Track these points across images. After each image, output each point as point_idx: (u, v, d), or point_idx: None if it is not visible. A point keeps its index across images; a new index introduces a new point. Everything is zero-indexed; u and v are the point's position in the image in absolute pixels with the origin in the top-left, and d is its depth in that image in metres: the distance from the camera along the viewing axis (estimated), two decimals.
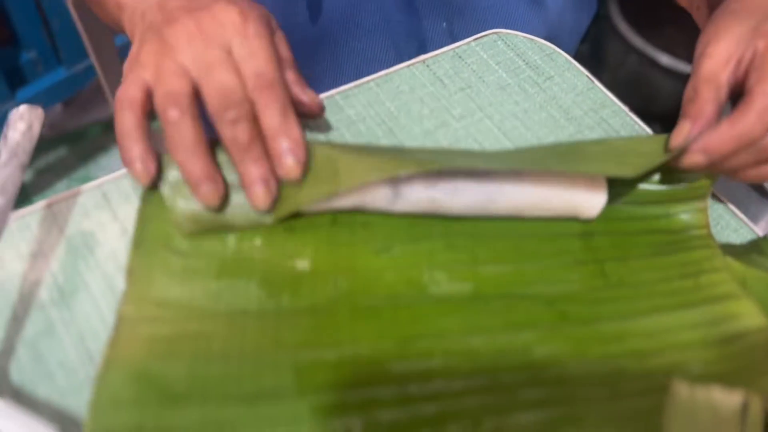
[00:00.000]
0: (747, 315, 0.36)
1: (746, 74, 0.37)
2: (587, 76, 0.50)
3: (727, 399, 0.30)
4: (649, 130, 0.47)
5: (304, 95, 0.39)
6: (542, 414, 0.31)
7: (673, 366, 0.33)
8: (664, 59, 1.19)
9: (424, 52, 0.52)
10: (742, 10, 0.40)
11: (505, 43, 0.51)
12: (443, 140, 0.45)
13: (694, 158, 0.37)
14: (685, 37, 1.05)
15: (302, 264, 0.36)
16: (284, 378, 0.31)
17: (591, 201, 0.39)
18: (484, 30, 0.52)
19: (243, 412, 0.30)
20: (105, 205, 0.38)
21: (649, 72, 1.22)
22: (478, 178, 0.37)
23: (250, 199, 0.35)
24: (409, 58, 0.50)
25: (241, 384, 0.31)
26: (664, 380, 0.32)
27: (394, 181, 0.37)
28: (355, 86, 0.46)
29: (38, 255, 0.36)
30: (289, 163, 0.35)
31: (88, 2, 0.52)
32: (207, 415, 0.29)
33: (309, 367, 0.32)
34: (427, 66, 0.49)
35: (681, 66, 1.18)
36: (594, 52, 1.38)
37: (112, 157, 1.33)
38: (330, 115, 0.45)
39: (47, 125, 1.33)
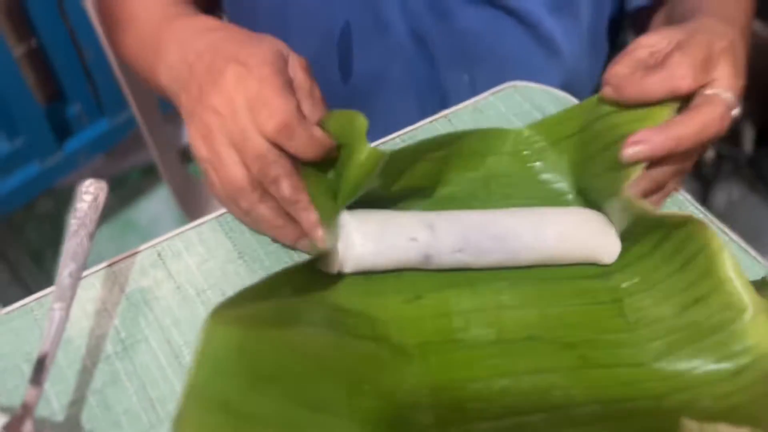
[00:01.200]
0: (758, 337, 0.36)
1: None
2: None
3: None
4: None
5: (317, 132, 0.41)
6: None
7: (686, 403, 0.35)
8: None
9: (447, 103, 0.56)
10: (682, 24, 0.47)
11: (522, 95, 0.54)
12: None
13: (631, 150, 0.41)
14: None
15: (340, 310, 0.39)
16: (337, 391, 0.34)
17: (608, 248, 0.42)
18: (504, 80, 0.55)
19: (309, 418, 0.32)
20: (160, 264, 0.42)
21: None
22: (501, 239, 0.41)
23: (311, 236, 0.40)
24: (432, 110, 0.54)
25: (311, 387, 0.33)
26: (677, 419, 0.34)
27: (423, 249, 0.40)
28: (382, 143, 0.50)
29: (102, 312, 0.40)
30: (317, 237, 0.40)
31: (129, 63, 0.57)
32: (283, 411, 0.31)
33: (357, 384, 0.34)
34: (449, 120, 0.52)
35: None
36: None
37: (151, 200, 1.39)
38: None
39: (91, 174, 1.40)
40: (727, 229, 0.46)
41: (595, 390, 0.36)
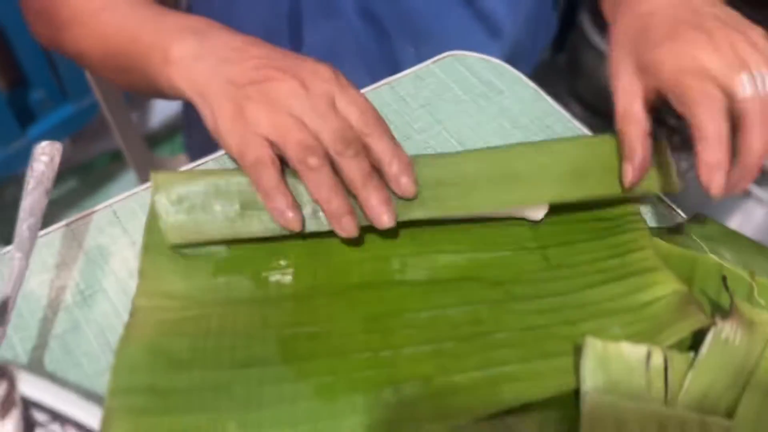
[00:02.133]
0: (663, 283, 0.42)
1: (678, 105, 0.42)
2: (534, 88, 0.57)
3: (633, 350, 0.36)
4: (588, 132, 0.54)
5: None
6: (483, 374, 0.37)
7: (597, 329, 0.40)
8: None
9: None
10: (621, 38, 0.47)
11: (461, 63, 0.58)
12: (408, 151, 0.51)
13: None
14: None
15: (286, 262, 0.42)
16: (270, 348, 0.38)
17: (535, 212, 0.46)
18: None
19: (236, 375, 0.36)
20: (116, 222, 0.45)
21: None
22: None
23: (376, 221, 0.41)
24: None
25: (234, 353, 0.37)
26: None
27: None
28: None
29: (61, 265, 0.43)
30: (405, 182, 0.41)
31: (95, 63, 0.53)
32: (206, 378, 0.36)
33: (291, 339, 0.38)
34: (392, 87, 0.56)
35: None
36: (571, 61, 1.45)
37: (118, 183, 1.41)
38: None
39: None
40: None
41: (517, 317, 0.40)
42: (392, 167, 0.41)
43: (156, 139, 1.48)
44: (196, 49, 0.43)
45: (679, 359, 0.37)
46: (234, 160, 0.42)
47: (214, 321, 0.39)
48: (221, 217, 0.41)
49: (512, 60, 0.60)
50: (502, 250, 0.45)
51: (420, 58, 0.66)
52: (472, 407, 0.36)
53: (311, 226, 0.41)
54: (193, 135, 0.82)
